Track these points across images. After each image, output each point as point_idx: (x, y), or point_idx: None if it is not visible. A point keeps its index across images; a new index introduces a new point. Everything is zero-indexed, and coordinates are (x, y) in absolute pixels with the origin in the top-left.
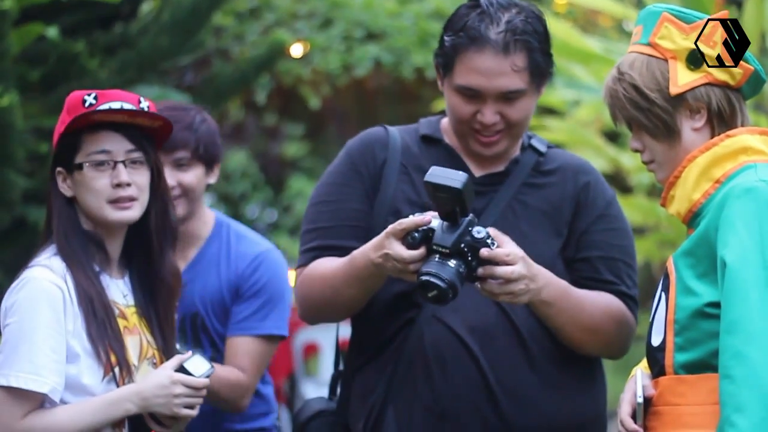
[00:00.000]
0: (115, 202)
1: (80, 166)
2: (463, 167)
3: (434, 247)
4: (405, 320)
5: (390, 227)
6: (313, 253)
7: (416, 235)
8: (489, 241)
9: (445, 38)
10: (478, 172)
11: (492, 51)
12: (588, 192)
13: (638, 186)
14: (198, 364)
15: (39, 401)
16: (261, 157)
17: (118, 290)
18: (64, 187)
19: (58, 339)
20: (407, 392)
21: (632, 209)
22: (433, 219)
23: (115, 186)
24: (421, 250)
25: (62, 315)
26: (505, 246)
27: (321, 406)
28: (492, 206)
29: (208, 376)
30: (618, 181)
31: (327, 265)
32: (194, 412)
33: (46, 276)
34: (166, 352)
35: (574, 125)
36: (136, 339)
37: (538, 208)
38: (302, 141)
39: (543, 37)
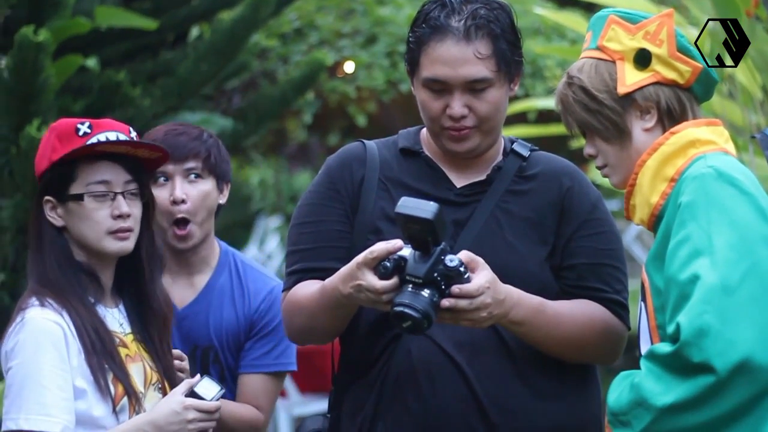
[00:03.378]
0: (114, 233)
1: (78, 197)
2: (443, 178)
3: (407, 278)
4: (391, 337)
5: (361, 257)
6: (295, 276)
7: (388, 264)
8: (461, 269)
9: (410, 35)
10: (459, 183)
11: (453, 39)
12: (572, 197)
13: None
14: (208, 387)
15: None
16: None
17: (115, 320)
18: (54, 217)
19: (65, 377)
20: (396, 408)
21: None
22: (404, 247)
23: (115, 217)
24: (394, 280)
25: (65, 352)
26: (479, 273)
27: (317, 425)
28: (475, 217)
29: (219, 398)
30: None
31: (305, 291)
32: None
33: (44, 315)
34: (169, 377)
35: None
36: (140, 366)
37: (523, 215)
38: None
39: (507, 26)
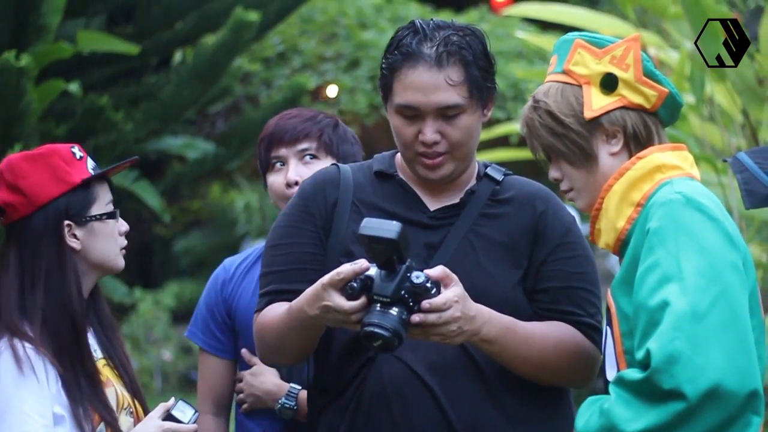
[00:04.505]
0: (122, 249)
1: (99, 217)
2: (417, 201)
3: (375, 297)
4: (365, 360)
5: (326, 278)
6: (267, 297)
7: (355, 285)
8: (428, 284)
9: (383, 62)
10: (433, 206)
11: (425, 65)
12: (546, 221)
13: None
14: (184, 411)
15: None
16: None
17: (91, 345)
18: (74, 241)
19: (44, 403)
20: (370, 431)
21: None
22: (371, 267)
23: (122, 234)
24: (362, 300)
25: (45, 379)
26: (450, 287)
27: None
28: (448, 240)
29: (195, 421)
30: None
31: (274, 312)
32: None
33: (23, 344)
34: (140, 400)
35: None
36: (112, 391)
37: (496, 239)
38: None
39: (480, 53)
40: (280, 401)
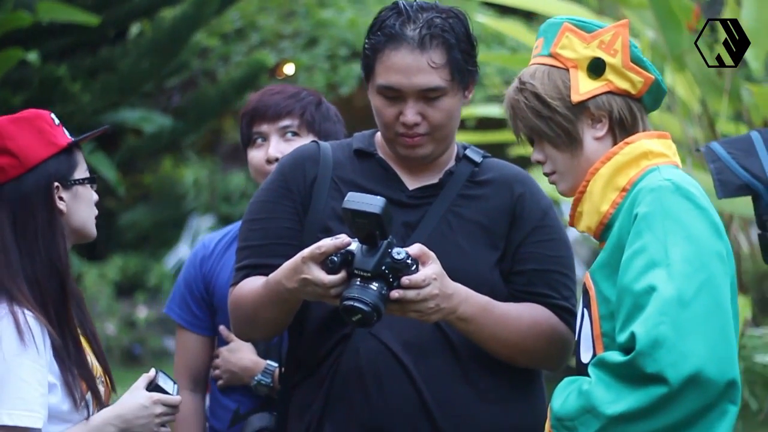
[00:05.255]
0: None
1: (82, 182)
2: (396, 180)
3: (355, 272)
4: (340, 336)
5: (307, 251)
6: (243, 271)
7: (335, 259)
8: (409, 261)
9: (365, 42)
10: (412, 185)
11: (408, 47)
12: (523, 203)
13: None
14: (167, 382)
15: None
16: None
17: None
18: (62, 203)
19: (42, 372)
20: (344, 409)
21: None
22: (352, 242)
23: (95, 202)
24: (342, 274)
25: (43, 348)
26: (428, 265)
27: (263, 422)
28: (427, 219)
29: (177, 393)
30: None
31: (250, 286)
32: (170, 430)
33: (23, 311)
34: (106, 371)
35: None
36: (88, 361)
37: (474, 220)
38: None
39: (463, 36)
40: (256, 378)
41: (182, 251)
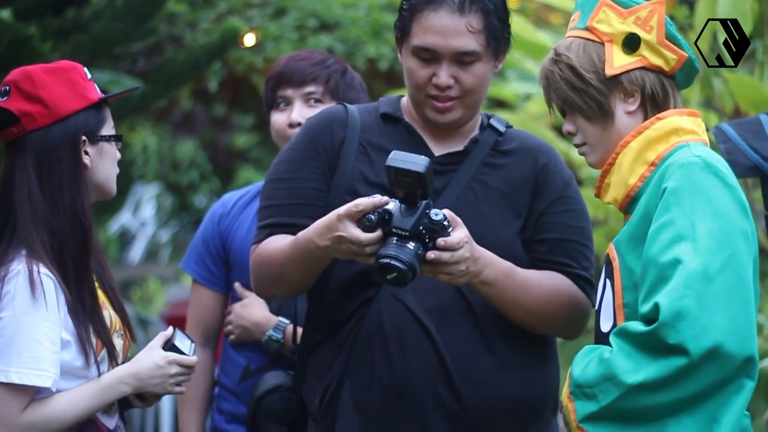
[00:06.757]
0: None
1: (108, 138)
2: (422, 146)
3: (393, 230)
4: (363, 299)
5: (343, 209)
6: (268, 230)
7: (373, 217)
8: (445, 223)
9: (403, 3)
10: (437, 151)
11: (448, 10)
12: (546, 173)
13: (588, 179)
14: (183, 341)
15: (35, 392)
16: (210, 147)
17: None
18: (87, 158)
19: (55, 330)
20: (365, 370)
21: None
22: (390, 201)
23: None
24: (378, 233)
25: (56, 305)
26: (458, 229)
27: (278, 380)
28: (452, 185)
29: (194, 353)
30: None
31: (276, 244)
32: (184, 389)
33: (38, 267)
34: (126, 324)
35: (525, 118)
36: (106, 314)
37: (498, 188)
38: (251, 132)
39: (500, 3)
40: (267, 333)
41: (125, 218)
